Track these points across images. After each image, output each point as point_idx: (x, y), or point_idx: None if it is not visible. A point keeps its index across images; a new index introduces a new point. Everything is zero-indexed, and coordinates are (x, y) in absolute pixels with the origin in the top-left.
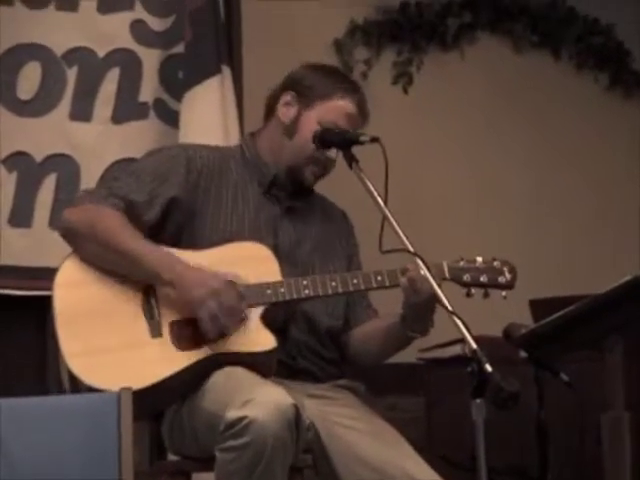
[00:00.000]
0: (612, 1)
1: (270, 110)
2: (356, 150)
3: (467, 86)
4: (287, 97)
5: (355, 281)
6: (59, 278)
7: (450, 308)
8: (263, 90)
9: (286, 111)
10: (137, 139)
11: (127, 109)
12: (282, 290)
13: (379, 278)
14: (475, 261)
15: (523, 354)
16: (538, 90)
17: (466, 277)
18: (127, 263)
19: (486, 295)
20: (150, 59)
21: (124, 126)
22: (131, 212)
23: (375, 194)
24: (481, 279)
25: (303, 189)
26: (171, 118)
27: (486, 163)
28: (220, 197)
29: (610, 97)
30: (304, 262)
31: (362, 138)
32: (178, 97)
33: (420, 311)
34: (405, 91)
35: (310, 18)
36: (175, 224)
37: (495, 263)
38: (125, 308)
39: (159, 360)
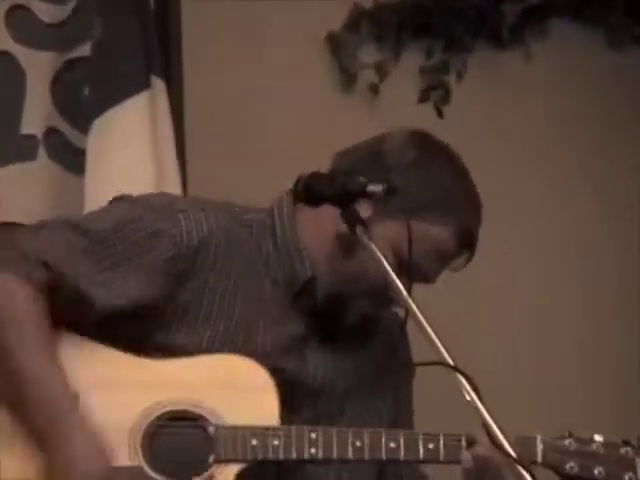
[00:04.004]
0: None
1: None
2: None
3: (534, 103)
4: None
5: (392, 445)
6: None
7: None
8: (215, 106)
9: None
10: (18, 192)
11: (2, 146)
12: (275, 443)
13: (431, 446)
14: (591, 441)
15: None
16: None
17: (571, 466)
18: (11, 384)
19: None
20: (38, 67)
21: None
22: (61, 292)
23: (391, 272)
24: (596, 472)
25: (338, 321)
26: (72, 159)
27: (558, 218)
28: (217, 294)
29: None
30: (331, 407)
31: (371, 188)
32: (83, 127)
33: None
34: (439, 113)
35: (291, 2)
36: (139, 328)
37: (623, 450)
38: None
39: None
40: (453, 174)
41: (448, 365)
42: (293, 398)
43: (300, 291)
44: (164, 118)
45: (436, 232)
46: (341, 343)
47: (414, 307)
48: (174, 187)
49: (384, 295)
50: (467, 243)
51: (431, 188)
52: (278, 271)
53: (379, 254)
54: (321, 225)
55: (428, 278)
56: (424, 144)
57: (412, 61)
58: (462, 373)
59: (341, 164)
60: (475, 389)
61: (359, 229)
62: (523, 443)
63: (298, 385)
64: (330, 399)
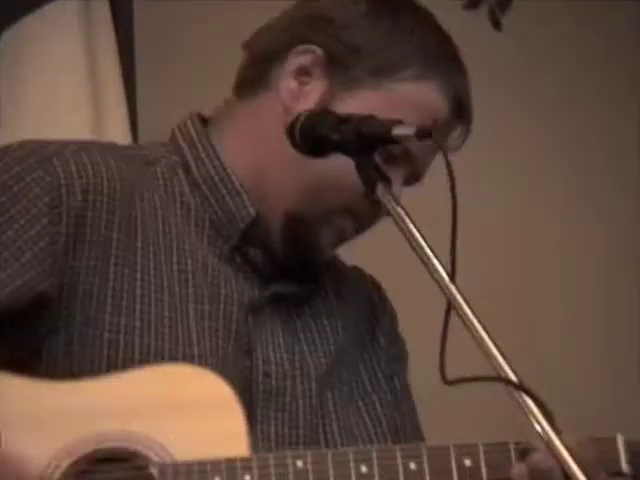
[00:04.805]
0: None
1: (254, 77)
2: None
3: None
4: (304, 58)
5: (413, 467)
6: None
7: None
8: (177, 22)
9: (298, 89)
10: None
11: None
12: (247, 479)
13: (468, 463)
14: None
15: None
16: None
17: None
18: None
19: None
20: None
21: None
22: None
23: (426, 248)
24: None
25: (308, 265)
26: None
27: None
28: (129, 262)
29: None
30: (304, 411)
31: (397, 131)
32: None
33: None
34: (495, 24)
35: None
36: (27, 331)
37: None
38: None
39: None
40: (425, 23)
41: (511, 383)
42: (248, 406)
43: (240, 241)
44: (105, 28)
45: (421, 91)
46: (302, 314)
47: (459, 297)
48: (119, 128)
49: (366, 211)
50: (460, 107)
51: (403, 37)
52: (202, 219)
53: (411, 223)
54: (250, 135)
55: (417, 166)
56: None
57: None
58: (531, 394)
59: (266, 40)
60: (549, 417)
61: (380, 188)
62: (597, 444)
63: (251, 382)
64: (298, 399)
